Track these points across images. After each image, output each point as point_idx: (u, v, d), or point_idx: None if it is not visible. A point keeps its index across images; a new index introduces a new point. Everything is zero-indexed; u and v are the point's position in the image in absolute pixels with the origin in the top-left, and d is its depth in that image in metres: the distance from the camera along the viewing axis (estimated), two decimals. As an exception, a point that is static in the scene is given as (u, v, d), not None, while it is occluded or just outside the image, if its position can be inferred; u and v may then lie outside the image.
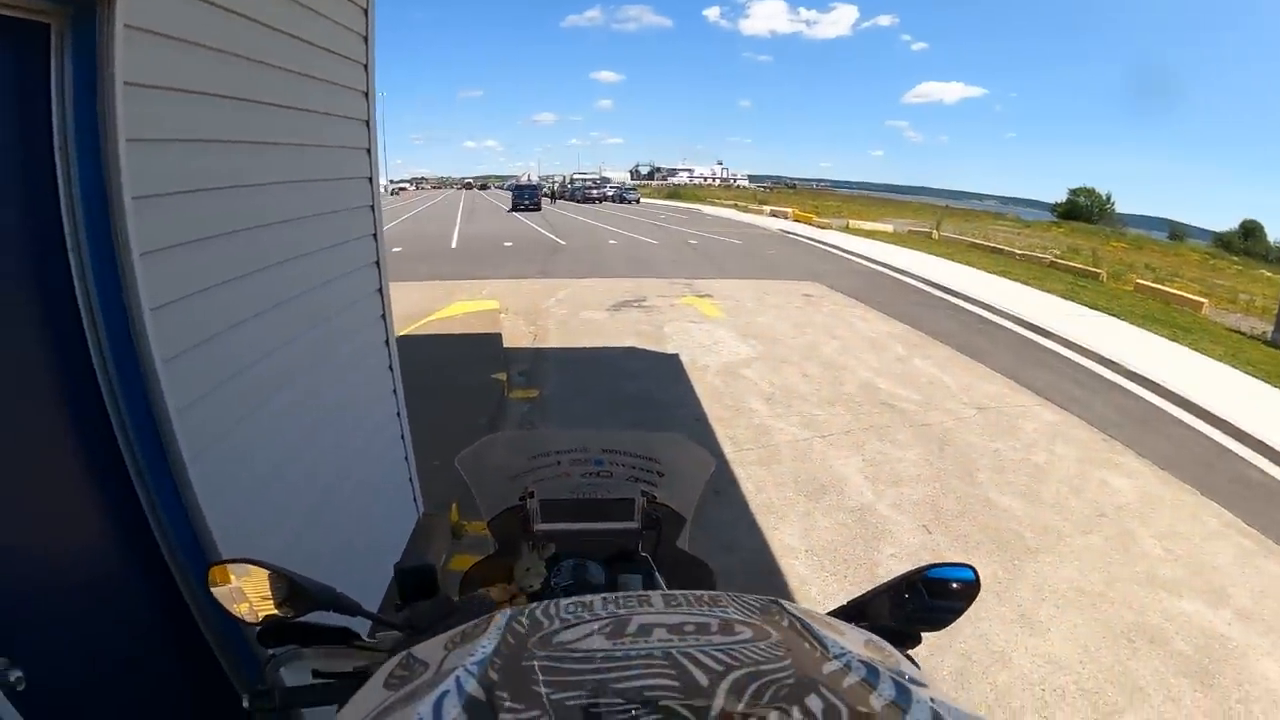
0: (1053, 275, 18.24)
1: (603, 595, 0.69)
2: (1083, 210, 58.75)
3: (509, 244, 22.25)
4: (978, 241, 26.31)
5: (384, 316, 3.79)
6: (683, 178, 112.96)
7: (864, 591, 1.23)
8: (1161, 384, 7.96)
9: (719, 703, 0.48)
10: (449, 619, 1.07)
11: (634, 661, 0.53)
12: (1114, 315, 12.29)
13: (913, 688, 0.53)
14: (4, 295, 1.61)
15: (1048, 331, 10.46)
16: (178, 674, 2.28)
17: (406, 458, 4.14)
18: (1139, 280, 17.64)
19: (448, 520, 4.45)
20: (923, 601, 1.18)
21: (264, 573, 1.14)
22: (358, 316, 3.47)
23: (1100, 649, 3.68)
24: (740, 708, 0.47)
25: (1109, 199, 61.03)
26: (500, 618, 0.64)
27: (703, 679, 0.50)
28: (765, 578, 4.22)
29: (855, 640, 0.63)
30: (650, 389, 7.38)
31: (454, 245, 22.33)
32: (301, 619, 1.11)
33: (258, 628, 1.14)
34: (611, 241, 23.65)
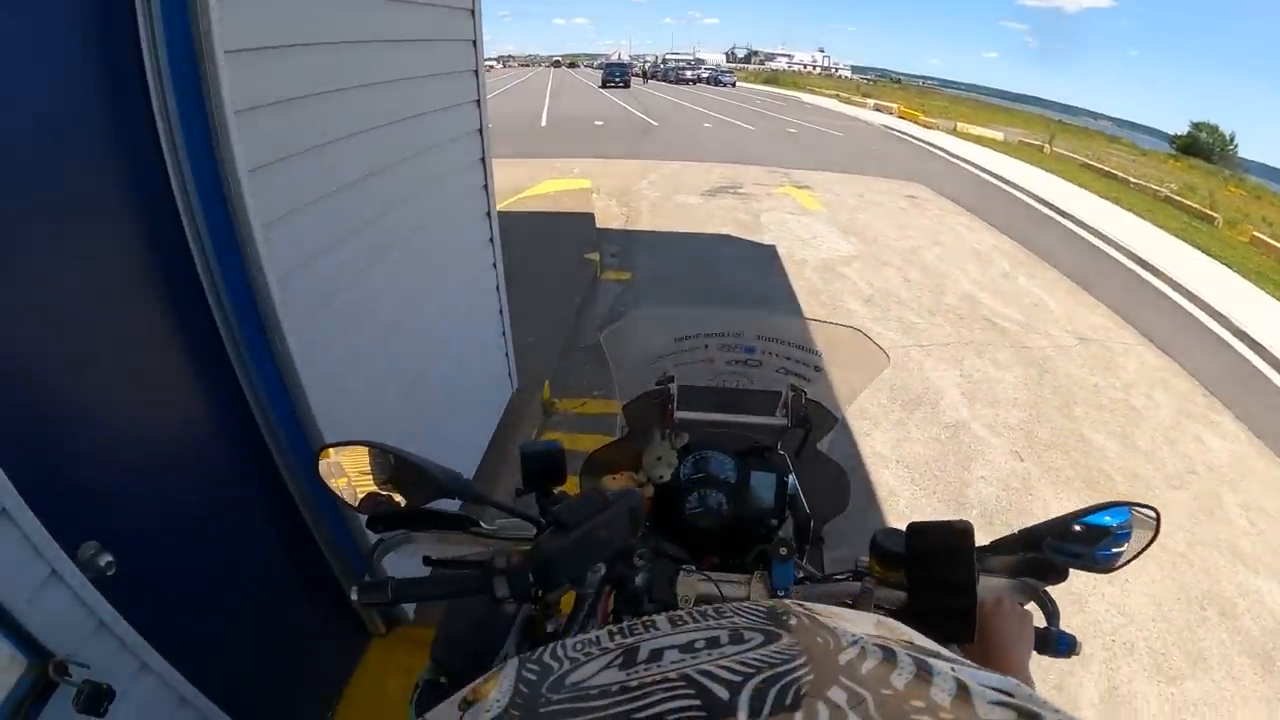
0: (1165, 211, 17.01)
1: (608, 628, 0.67)
2: (1203, 147, 53.92)
3: (599, 123, 21.82)
4: (1090, 163, 24.53)
5: (485, 187, 3.71)
6: (781, 63, 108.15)
7: (1041, 521, 1.17)
8: (1270, 350, 7.41)
9: (743, 713, 0.46)
10: (600, 515, 1.00)
11: (651, 689, 0.51)
12: (1226, 264, 11.42)
13: (932, 660, 0.51)
14: (86, 165, 1.49)
15: (1157, 270, 9.79)
16: (279, 563, 2.29)
17: (504, 333, 4.15)
18: (1255, 233, 16.22)
19: (540, 397, 4.50)
20: (1076, 549, 1.16)
21: (383, 456, 1.10)
22: (460, 186, 3.40)
23: (1173, 610, 3.60)
24: (765, 713, 0.46)
25: (1233, 140, 55.83)
26: (509, 668, 0.62)
27: (723, 693, 0.49)
28: (855, 485, 4.19)
29: (865, 624, 0.62)
30: (746, 280, 7.24)
31: (544, 123, 21.98)
32: (421, 506, 1.07)
33: (368, 514, 1.11)
34: (706, 125, 22.96)
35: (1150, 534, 1.17)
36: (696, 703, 0.48)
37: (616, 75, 43.83)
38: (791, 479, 1.63)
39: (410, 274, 2.81)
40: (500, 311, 4.08)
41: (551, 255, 7.15)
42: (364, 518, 1.13)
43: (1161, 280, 9.46)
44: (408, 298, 2.79)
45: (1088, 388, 5.76)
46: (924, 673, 0.49)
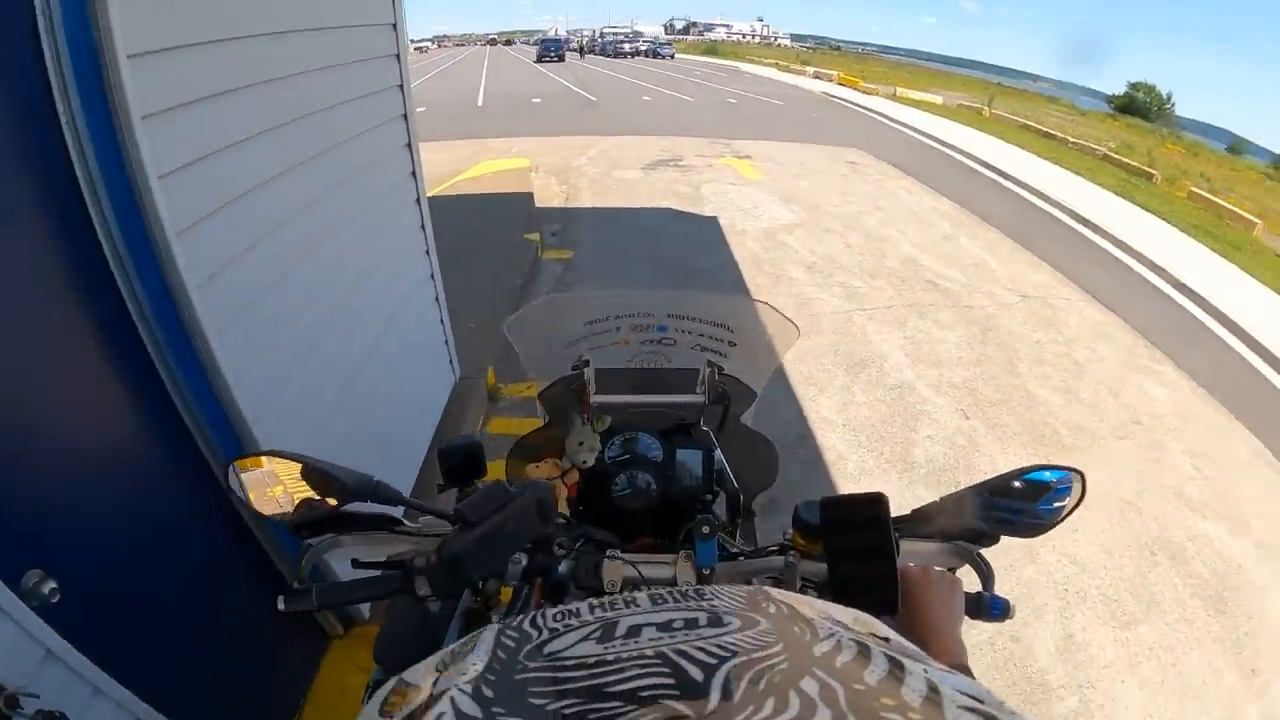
0: (1104, 169, 17.19)
1: (589, 601, 0.68)
2: (1140, 107, 54.99)
3: (537, 100, 21.48)
4: (1029, 124, 24.71)
5: (414, 174, 3.58)
6: (720, 34, 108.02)
7: (958, 489, 1.17)
8: (1208, 300, 7.55)
9: (715, 696, 0.47)
10: (505, 509, 0.98)
11: (627, 663, 0.52)
12: (1164, 220, 11.66)
13: (906, 660, 0.52)
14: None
15: (1096, 226, 9.97)
16: (227, 573, 2.22)
17: (442, 320, 4.05)
18: (1193, 188, 16.61)
19: (484, 384, 4.38)
20: (1015, 505, 1.15)
21: (294, 465, 1.05)
22: (386, 174, 3.28)
23: (1123, 557, 3.65)
24: (736, 699, 0.46)
25: (1169, 99, 57.10)
26: (488, 634, 0.63)
27: (697, 674, 0.50)
28: (802, 449, 4.18)
29: (844, 618, 0.64)
30: (688, 253, 7.15)
31: (480, 103, 21.54)
32: (340, 509, 1.04)
33: (286, 522, 1.07)
34: (645, 98, 22.76)
35: (1076, 497, 1.17)
36: (670, 681, 0.49)
37: (551, 50, 45.17)
38: (718, 454, 1.61)
39: (339, 268, 2.70)
40: (437, 300, 3.96)
41: (491, 238, 6.95)
42: (288, 526, 1.10)
43: (1102, 237, 9.63)
44: (338, 293, 2.69)
45: (1031, 344, 5.81)
46: (896, 671, 0.50)
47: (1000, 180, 12.68)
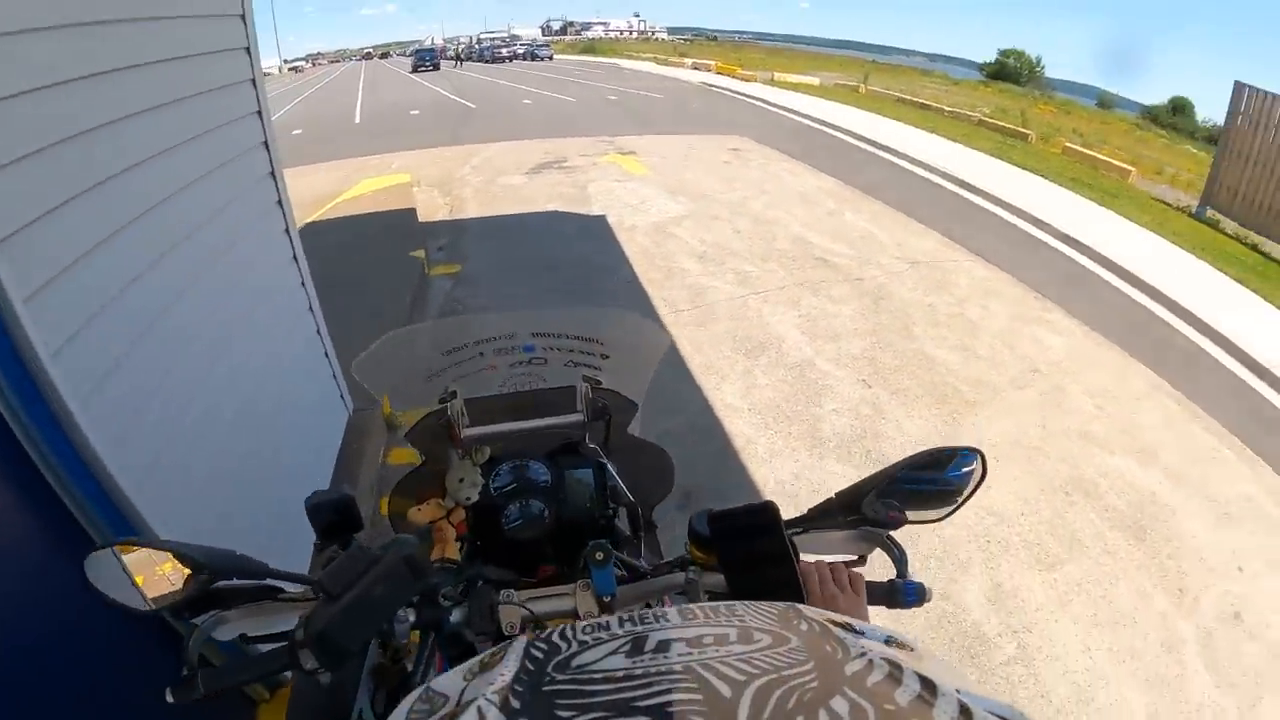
0: (981, 134, 17.88)
1: (618, 614, 0.68)
2: (1011, 72, 57.66)
3: (415, 112, 20.93)
4: (905, 97, 25.53)
5: (280, 203, 3.34)
6: (598, 32, 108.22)
7: (864, 477, 1.16)
8: (1091, 247, 7.94)
9: (744, 713, 0.46)
10: (369, 575, 0.92)
11: (655, 679, 0.52)
12: (1042, 176, 12.19)
13: (938, 682, 0.51)
14: None
15: (977, 189, 10.35)
16: (139, 657, 2.02)
17: (326, 354, 3.82)
18: (1067, 144, 17.46)
19: (380, 414, 4.17)
20: (924, 476, 1.16)
21: (153, 552, 0.98)
22: (248, 207, 3.05)
23: (1039, 502, 3.75)
24: (765, 716, 0.46)
25: (1039, 62, 59.99)
26: (517, 644, 0.63)
27: (726, 690, 0.49)
28: (711, 439, 4.13)
29: (876, 638, 0.64)
30: (579, 253, 7.04)
31: (358, 120, 20.89)
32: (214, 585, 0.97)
33: (159, 609, 0.99)
34: (525, 101, 22.48)
35: (979, 474, 1.17)
36: (698, 697, 0.48)
37: (426, 60, 46.64)
38: (610, 470, 1.55)
39: (207, 315, 2.48)
40: (319, 332, 3.74)
41: (374, 258, 6.67)
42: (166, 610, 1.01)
43: (982, 198, 10.00)
44: (209, 341, 2.48)
45: (923, 308, 5.95)
46: (927, 693, 0.49)
47: (880, 154, 13.02)
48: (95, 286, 1.87)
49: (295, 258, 3.49)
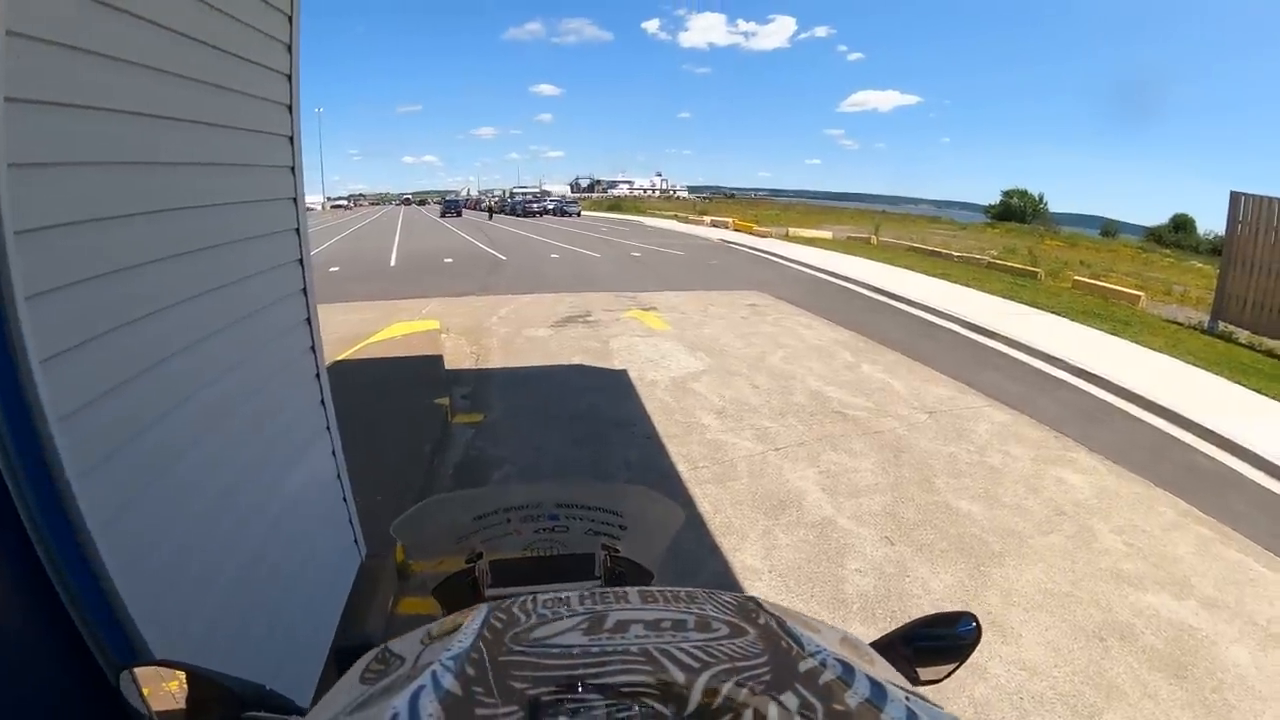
0: (992, 276, 18.48)
1: (580, 592, 0.68)
2: (1016, 211, 59.85)
3: (449, 260, 21.88)
4: (916, 245, 26.63)
5: (313, 348, 3.48)
6: (623, 190, 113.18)
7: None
8: (1106, 378, 8.06)
9: (695, 699, 0.47)
10: None
11: (611, 657, 0.53)
12: (1054, 312, 12.50)
13: (888, 686, 0.52)
14: None
15: (991, 332, 10.58)
16: None
17: (345, 499, 3.85)
18: (1076, 277, 17.94)
19: (393, 561, 4.16)
20: (919, 656, 1.17)
21: (182, 674, 1.06)
22: (284, 351, 3.18)
23: (1073, 650, 3.64)
24: (716, 704, 0.47)
25: (1041, 199, 62.42)
26: (478, 613, 0.63)
27: (679, 675, 0.50)
28: (728, 604, 4.05)
29: (831, 639, 0.64)
30: (599, 407, 7.17)
31: (393, 263, 21.85)
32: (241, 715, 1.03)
33: None
34: (553, 256, 23.43)
35: (975, 634, 1.21)
36: (651, 680, 0.49)
37: (451, 206, 59.15)
38: None
39: (233, 452, 2.56)
40: (338, 476, 3.78)
41: (399, 403, 6.83)
42: None
43: (997, 340, 10.21)
44: (232, 477, 2.53)
45: (944, 458, 5.95)
46: (877, 698, 0.50)
47: (894, 303, 13.35)
48: (142, 405, 1.96)
49: (323, 402, 3.59)
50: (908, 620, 1.20)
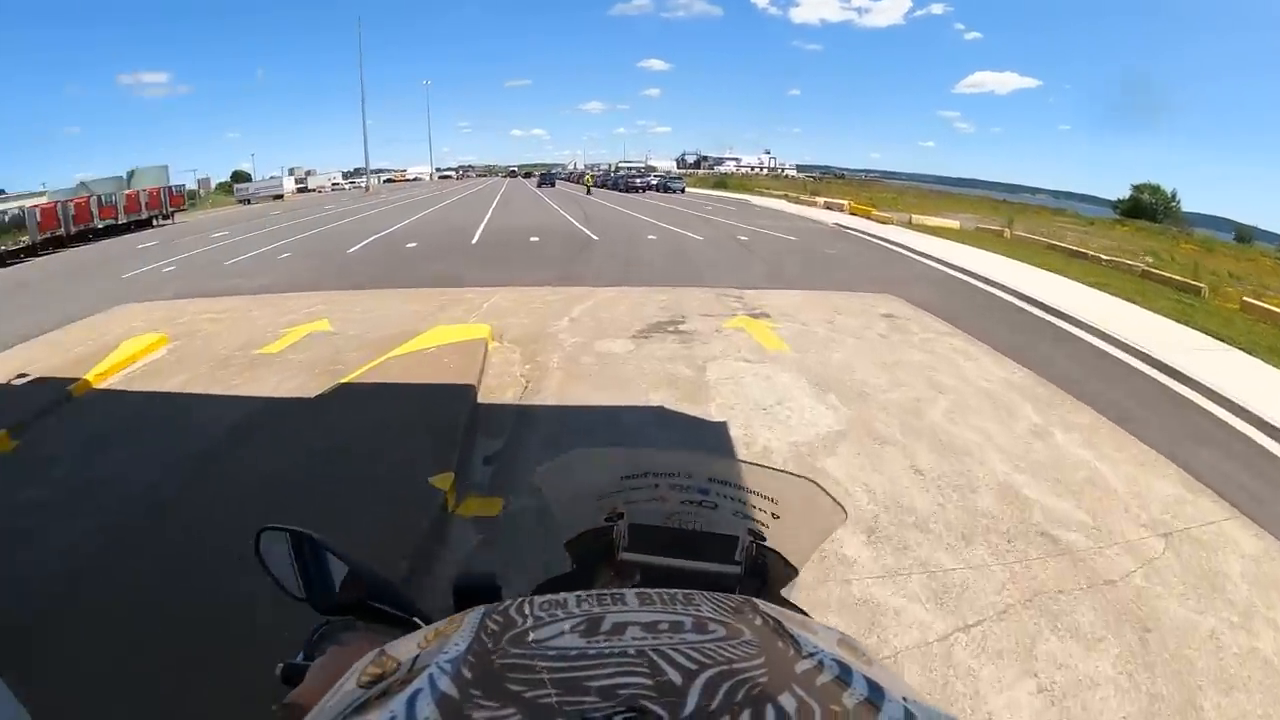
0: (1150, 289, 15.68)
1: (577, 594, 0.67)
2: (1146, 208, 55.67)
3: (535, 239, 20.14)
4: (1055, 243, 23.66)
5: None
6: (729, 166, 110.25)
7: None
8: None
9: (692, 701, 0.48)
10: None
11: (608, 660, 0.53)
12: (1242, 349, 9.74)
13: (885, 686, 0.53)
14: None
15: (1188, 378, 8.04)
16: None
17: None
18: (1246, 299, 14.89)
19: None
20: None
21: (321, 548, 1.14)
22: None
23: None
24: (713, 706, 0.47)
25: (1174, 196, 57.56)
26: (473, 615, 0.63)
27: (676, 678, 0.51)
28: None
29: (828, 639, 0.63)
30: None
31: (475, 240, 20.27)
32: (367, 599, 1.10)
33: (306, 599, 1.13)
34: (650, 236, 21.31)
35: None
36: (649, 681, 0.50)
37: (547, 180, 62.84)
38: None
39: None
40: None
41: (377, 478, 4.75)
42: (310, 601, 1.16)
43: (1199, 393, 7.80)
44: None
45: (1204, 642, 3.69)
46: (875, 698, 0.51)
47: (1056, 322, 10.84)
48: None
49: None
50: None
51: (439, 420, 5.71)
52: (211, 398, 6.83)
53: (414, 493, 4.58)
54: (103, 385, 7.35)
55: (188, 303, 11.72)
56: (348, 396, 6.28)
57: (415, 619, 1.08)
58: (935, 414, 6.57)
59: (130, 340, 8.62)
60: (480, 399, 6.44)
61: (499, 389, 6.88)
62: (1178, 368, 8.34)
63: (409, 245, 18.78)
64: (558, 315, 9.97)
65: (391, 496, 4.54)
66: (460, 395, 6.30)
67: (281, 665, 1.07)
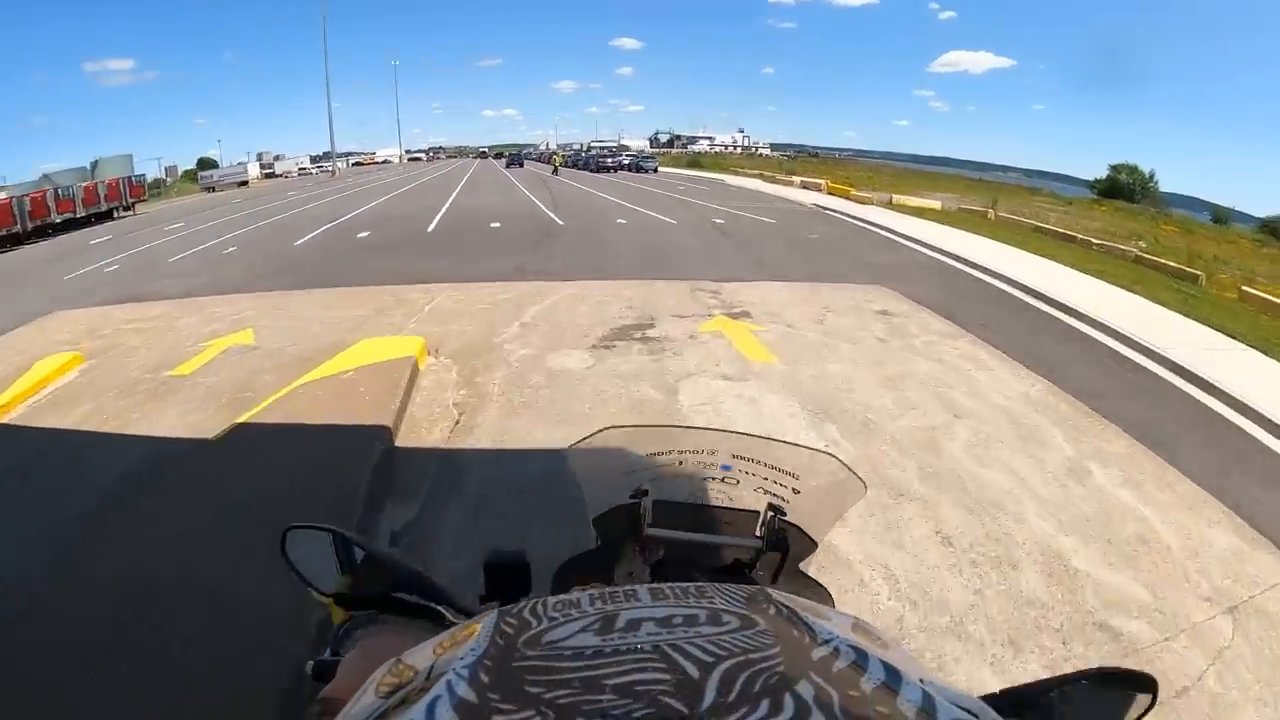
0: (1147, 276, 15.10)
1: (589, 593, 0.65)
2: (1124, 188, 55.29)
3: (496, 225, 18.85)
4: (1042, 225, 23.09)
5: None
6: (703, 145, 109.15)
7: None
8: None
9: (710, 694, 0.47)
10: None
11: (624, 657, 0.52)
12: (1256, 347, 8.94)
13: (902, 669, 0.52)
14: None
15: (1211, 385, 7.20)
16: None
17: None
18: (1244, 287, 14.35)
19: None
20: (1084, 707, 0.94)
21: (347, 543, 1.15)
22: None
23: None
24: (732, 698, 0.46)
25: (1152, 177, 57.57)
26: (488, 619, 0.60)
27: (693, 671, 0.49)
28: None
29: (842, 625, 0.62)
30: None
31: (431, 228, 18.99)
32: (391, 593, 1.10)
33: (333, 597, 1.12)
34: (620, 221, 20.11)
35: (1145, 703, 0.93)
36: (666, 677, 0.49)
37: (515, 160, 67.55)
38: None
39: None
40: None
41: (218, 608, 3.49)
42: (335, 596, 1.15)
43: (1226, 404, 6.96)
44: None
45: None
46: (892, 681, 0.50)
47: (1063, 318, 9.94)
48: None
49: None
50: None
51: (338, 484, 4.49)
52: (107, 438, 5.69)
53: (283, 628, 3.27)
54: (4, 420, 6.33)
55: (117, 309, 10.64)
56: (240, 444, 5.09)
57: (443, 609, 1.06)
58: (955, 448, 5.47)
59: (43, 361, 7.64)
60: (400, 440, 5.27)
61: (425, 424, 5.70)
62: (1198, 372, 7.51)
63: (360, 235, 17.54)
64: (508, 319, 8.78)
65: (239, 642, 3.31)
66: (371, 440, 5.07)
67: (312, 662, 1.07)
